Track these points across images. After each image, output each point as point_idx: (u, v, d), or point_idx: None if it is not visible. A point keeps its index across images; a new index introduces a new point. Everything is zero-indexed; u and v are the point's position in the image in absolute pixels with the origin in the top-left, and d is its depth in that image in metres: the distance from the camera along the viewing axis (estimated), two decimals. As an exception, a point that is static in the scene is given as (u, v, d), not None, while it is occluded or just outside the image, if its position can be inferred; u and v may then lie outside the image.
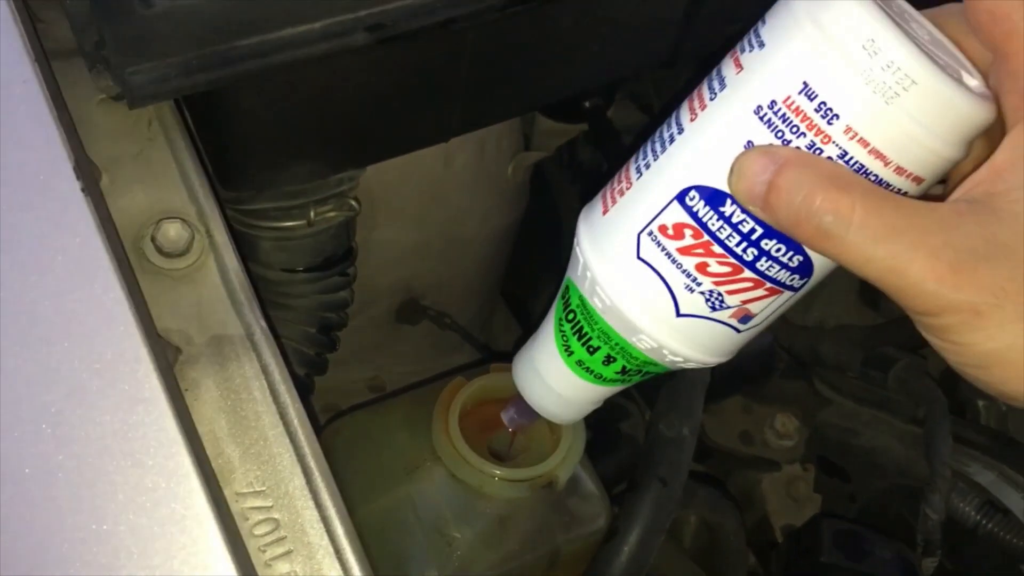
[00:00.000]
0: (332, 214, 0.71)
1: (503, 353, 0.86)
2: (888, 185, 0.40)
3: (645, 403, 0.96)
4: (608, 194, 0.49)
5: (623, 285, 0.47)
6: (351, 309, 0.81)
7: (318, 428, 0.56)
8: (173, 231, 0.52)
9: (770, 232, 0.42)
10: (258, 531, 0.48)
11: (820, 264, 0.44)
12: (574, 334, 0.52)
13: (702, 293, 0.45)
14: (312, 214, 0.69)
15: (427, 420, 0.69)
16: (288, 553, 0.48)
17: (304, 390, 0.78)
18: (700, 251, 0.44)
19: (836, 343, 1.03)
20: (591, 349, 0.51)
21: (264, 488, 0.48)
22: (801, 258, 0.43)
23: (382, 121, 0.68)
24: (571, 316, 0.52)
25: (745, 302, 0.45)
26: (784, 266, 0.43)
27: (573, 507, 0.70)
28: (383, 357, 0.97)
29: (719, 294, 0.45)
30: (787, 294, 0.46)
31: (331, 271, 0.74)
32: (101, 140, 0.54)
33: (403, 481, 0.68)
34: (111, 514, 0.42)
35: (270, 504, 0.48)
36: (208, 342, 0.51)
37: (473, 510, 0.67)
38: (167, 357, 0.49)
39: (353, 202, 0.71)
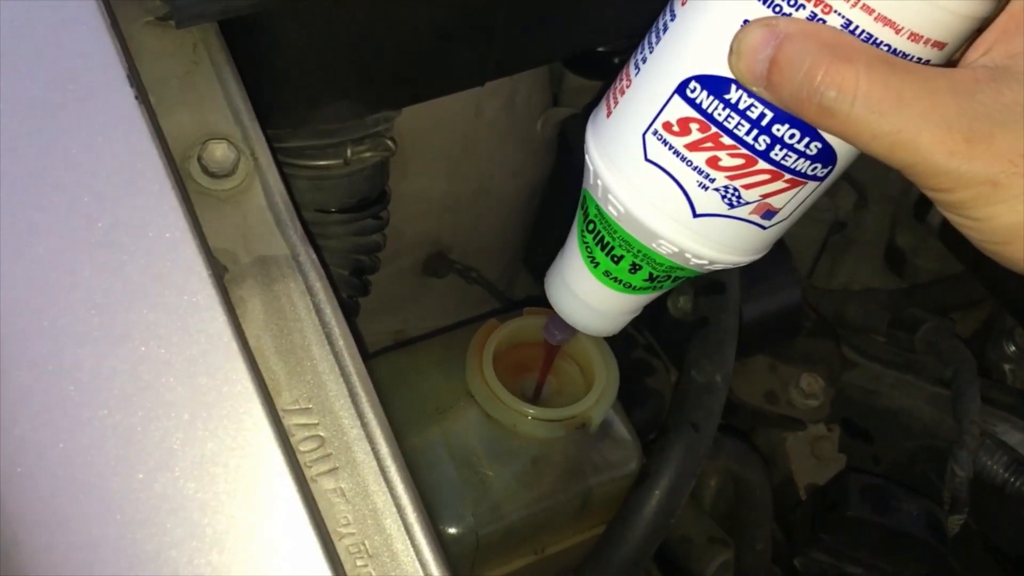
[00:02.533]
0: (368, 154, 0.71)
1: (536, 298, 0.86)
2: (905, 55, 0.37)
3: (670, 359, 0.96)
4: (611, 95, 0.47)
5: (635, 190, 0.45)
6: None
7: (364, 351, 0.56)
8: (219, 152, 0.52)
9: (781, 116, 0.40)
10: (304, 447, 0.48)
11: (843, 150, 0.41)
12: (597, 244, 0.51)
13: (717, 190, 0.43)
14: (349, 153, 0.69)
15: (460, 361, 0.69)
16: (333, 470, 0.48)
17: (349, 312, 0.78)
18: (709, 145, 0.42)
19: (862, 305, 1.03)
20: (615, 258, 0.50)
21: (310, 406, 0.48)
22: (819, 144, 0.41)
23: (420, 60, 0.68)
24: (591, 227, 0.51)
25: (765, 196, 0.43)
26: (801, 154, 0.41)
27: (605, 450, 0.70)
28: (409, 310, 0.97)
29: (735, 189, 0.43)
30: (811, 185, 0.43)
31: (365, 213, 0.74)
32: (147, 62, 0.54)
33: (436, 420, 0.68)
34: (170, 415, 0.43)
35: (315, 422, 0.48)
36: (253, 262, 0.51)
37: (506, 449, 0.67)
38: (219, 272, 0.49)
39: (390, 142, 0.71)
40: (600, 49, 0.96)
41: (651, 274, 0.51)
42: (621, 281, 0.52)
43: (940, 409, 0.94)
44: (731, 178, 0.43)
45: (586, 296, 0.54)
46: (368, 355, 0.75)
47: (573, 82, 1.01)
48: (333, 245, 0.74)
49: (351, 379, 0.49)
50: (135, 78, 0.47)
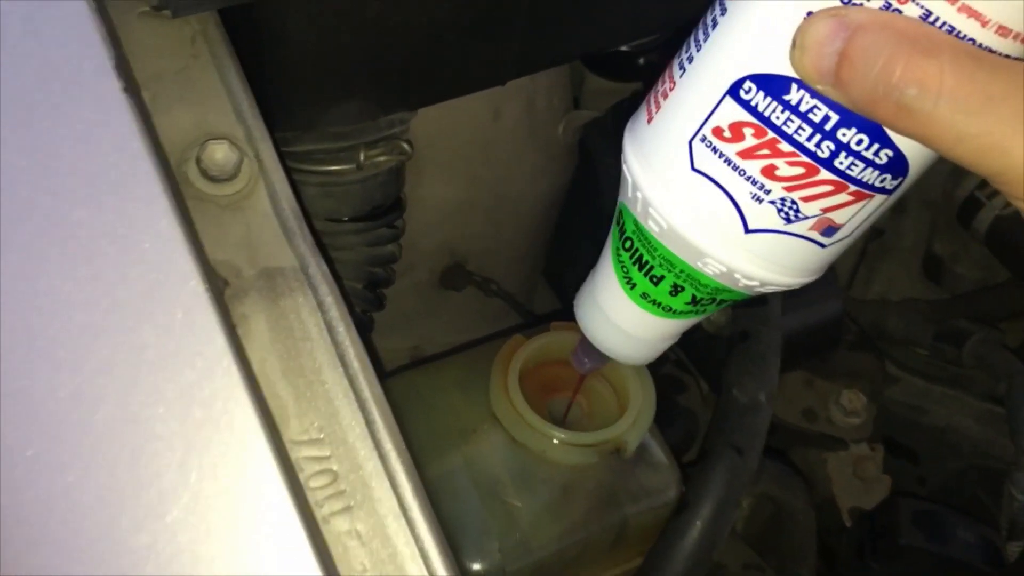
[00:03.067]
0: (382, 158, 0.66)
1: (561, 312, 0.81)
2: (991, 51, 0.33)
3: (701, 374, 0.90)
4: (652, 99, 0.43)
5: (679, 203, 0.41)
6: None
7: (380, 371, 0.50)
8: (220, 153, 0.46)
9: (848, 118, 0.36)
10: (314, 483, 0.42)
11: (915, 158, 0.37)
12: (634, 264, 0.46)
13: (773, 203, 0.39)
14: (362, 157, 0.64)
15: (483, 380, 0.64)
16: (348, 508, 0.42)
17: (364, 330, 0.73)
18: (765, 152, 0.38)
19: (904, 317, 0.97)
20: (654, 279, 0.46)
21: (321, 436, 0.43)
22: (891, 152, 0.36)
23: (437, 57, 0.63)
24: (628, 244, 0.46)
25: (826, 210, 0.39)
26: (870, 163, 0.37)
27: (642, 477, 0.65)
28: (425, 325, 0.91)
29: (793, 202, 0.39)
30: (878, 199, 0.39)
31: (379, 221, 0.69)
32: (142, 56, 0.49)
33: (458, 445, 0.63)
34: (160, 445, 0.37)
35: (327, 454, 0.43)
36: (258, 275, 0.46)
37: (535, 477, 0.62)
38: (218, 287, 0.44)
39: (406, 145, 0.66)
40: (623, 48, 0.91)
41: (694, 297, 0.46)
42: (660, 304, 0.47)
43: (990, 427, 0.89)
44: (789, 189, 0.38)
45: (620, 321, 0.50)
46: (384, 375, 0.70)
47: (594, 84, 0.97)
48: (346, 256, 0.69)
49: (367, 405, 0.44)
50: (124, 69, 0.42)
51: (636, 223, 0.45)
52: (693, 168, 0.40)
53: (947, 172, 0.98)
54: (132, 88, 0.42)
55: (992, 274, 1.04)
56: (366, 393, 0.44)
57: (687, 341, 0.90)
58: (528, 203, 0.91)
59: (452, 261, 0.89)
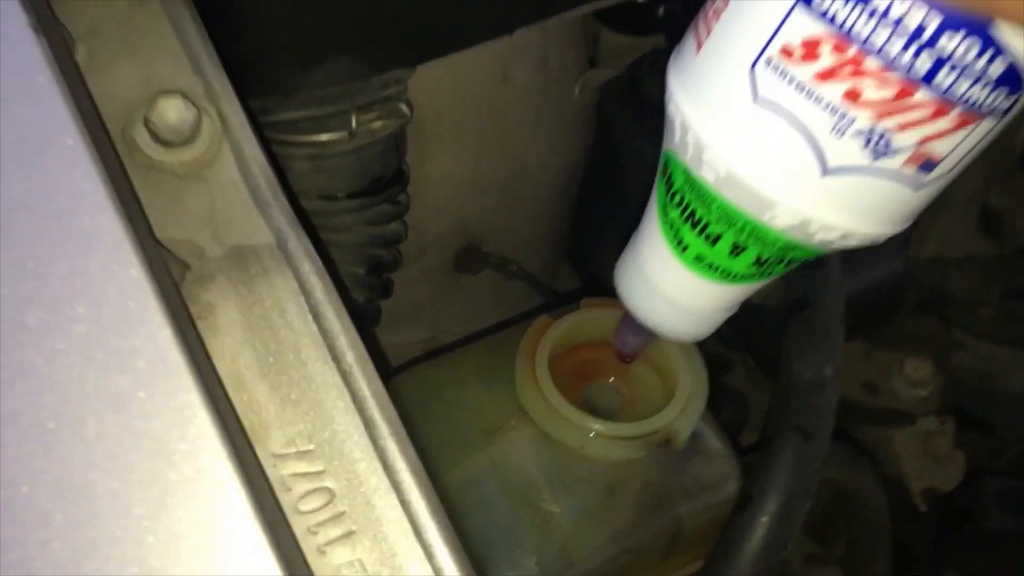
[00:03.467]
0: (378, 123, 0.57)
1: (592, 288, 0.72)
2: None
3: (747, 351, 0.82)
4: (701, 22, 0.37)
5: (741, 143, 0.35)
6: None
7: (386, 366, 0.42)
8: (173, 111, 0.38)
9: (953, 21, 0.30)
10: (306, 506, 0.34)
11: None
12: (686, 222, 0.40)
13: (858, 135, 0.33)
14: (354, 123, 0.56)
15: (507, 370, 0.56)
16: (349, 535, 0.34)
17: (369, 321, 0.65)
18: (848, 72, 0.32)
19: (967, 276, 0.88)
20: (711, 238, 0.39)
21: (312, 447, 0.35)
22: (1006, 61, 0.30)
23: (436, 4, 0.55)
24: (677, 199, 0.40)
25: (924, 140, 0.33)
26: (979, 77, 0.31)
27: (696, 470, 0.56)
28: (441, 314, 0.83)
29: (883, 133, 0.33)
30: (987, 123, 0.33)
31: (379, 196, 0.61)
32: (75, 4, 0.41)
33: (482, 447, 0.55)
34: (92, 484, 0.29)
35: (321, 469, 0.35)
36: (226, 255, 0.38)
37: (573, 478, 0.54)
38: (170, 274, 0.36)
39: (404, 107, 0.57)
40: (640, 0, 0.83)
41: (759, 256, 0.40)
42: (718, 268, 0.41)
43: (1075, 389, 0.80)
44: (878, 117, 0.33)
45: (671, 290, 0.44)
46: (392, 370, 0.61)
47: (611, 40, 0.88)
48: (344, 239, 0.61)
49: (366, 406, 0.36)
50: (36, 4, 0.34)
51: (686, 173, 0.38)
52: (757, 99, 0.34)
53: (1007, 114, 0.88)
54: (51, 29, 0.34)
55: (1057, 225, 0.96)
56: (364, 391, 0.36)
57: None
58: (546, 174, 0.82)
59: (466, 242, 0.81)
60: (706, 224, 0.39)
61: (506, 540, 0.52)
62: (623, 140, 0.88)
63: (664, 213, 0.41)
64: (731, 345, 0.82)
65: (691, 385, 0.55)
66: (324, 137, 0.56)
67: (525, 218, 0.84)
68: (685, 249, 0.41)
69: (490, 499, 0.53)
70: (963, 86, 0.31)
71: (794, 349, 0.60)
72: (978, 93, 0.31)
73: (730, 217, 0.38)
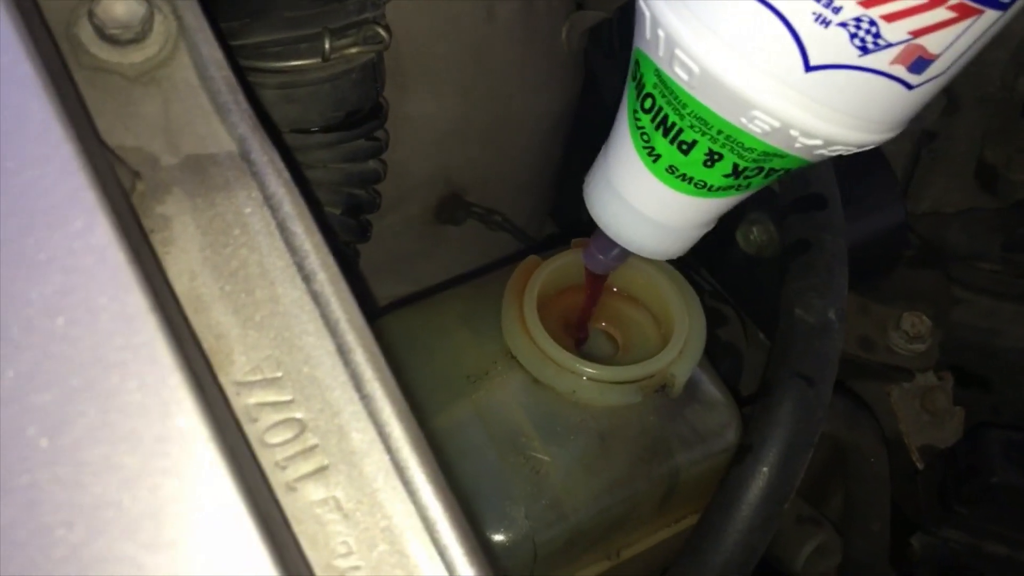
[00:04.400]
0: (354, 49, 0.53)
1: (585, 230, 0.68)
2: None
3: (742, 305, 0.78)
4: None
5: (716, 37, 0.33)
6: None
7: (371, 304, 0.38)
8: (121, 6, 0.34)
9: None
10: (274, 438, 0.31)
11: None
12: (657, 128, 0.37)
13: (844, 25, 0.30)
14: (327, 47, 0.52)
15: (493, 315, 0.53)
16: (322, 470, 0.31)
17: (346, 266, 0.61)
18: None
19: (967, 228, 0.85)
20: (684, 147, 0.37)
21: (279, 374, 0.31)
22: None
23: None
24: (648, 104, 0.37)
25: (917, 33, 0.30)
26: None
27: (694, 418, 0.53)
28: (421, 267, 0.79)
29: (872, 23, 0.30)
30: (988, 16, 0.30)
31: (356, 131, 0.57)
32: None
33: (467, 393, 0.51)
34: (48, 411, 0.25)
35: (289, 398, 0.31)
36: (182, 164, 0.34)
37: (564, 424, 0.50)
38: (120, 183, 0.32)
39: (382, 31, 0.53)
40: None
41: (735, 166, 0.37)
42: (691, 180, 0.38)
43: (1078, 343, 0.77)
44: (866, 4, 0.30)
45: (642, 204, 0.41)
46: (374, 313, 0.58)
47: (599, -19, 0.84)
48: (318, 176, 0.57)
49: (339, 328, 0.32)
50: None
51: (658, 73, 0.36)
52: None
53: (1007, 60, 0.85)
54: None
55: (1054, 179, 0.93)
56: (337, 313, 0.32)
57: (721, 266, 0.78)
58: (532, 120, 0.79)
59: (448, 191, 0.77)
60: (679, 130, 0.36)
61: (493, 490, 0.48)
62: (609, 93, 0.84)
63: (634, 120, 0.38)
64: (723, 299, 0.79)
65: (689, 327, 0.52)
66: (295, 62, 0.52)
67: (510, 166, 0.81)
68: (657, 159, 0.38)
69: (475, 447, 0.49)
70: None
71: (795, 293, 0.56)
72: None
73: (704, 122, 0.35)
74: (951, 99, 0.91)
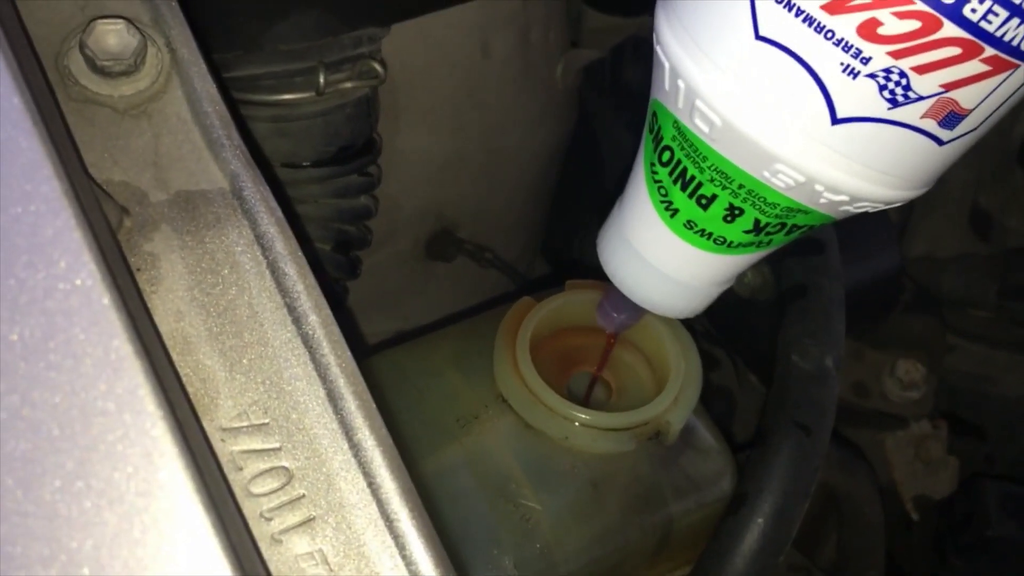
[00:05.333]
0: (348, 84, 0.53)
1: (578, 269, 0.68)
2: None
3: (735, 348, 0.78)
4: None
5: (739, 87, 0.31)
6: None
7: (360, 344, 0.37)
8: (113, 37, 0.34)
9: None
10: (259, 488, 0.30)
11: None
12: (675, 182, 0.36)
13: (873, 77, 0.29)
14: (322, 81, 0.51)
15: (485, 356, 0.52)
16: (309, 522, 0.29)
17: (334, 299, 0.60)
18: (863, 1, 0.28)
19: (961, 274, 0.85)
20: (703, 201, 0.35)
21: (267, 420, 0.30)
22: None
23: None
24: (666, 156, 0.36)
25: (949, 86, 0.29)
26: (1016, 10, 0.27)
27: (688, 466, 0.52)
28: (411, 303, 0.78)
29: (902, 75, 0.29)
30: (1022, 72, 0.29)
31: (348, 166, 0.56)
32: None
33: (457, 437, 0.50)
34: (26, 461, 0.24)
35: (277, 445, 0.30)
36: (172, 200, 0.33)
37: (555, 471, 0.49)
38: (107, 219, 0.31)
39: (377, 67, 0.53)
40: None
41: (757, 222, 0.36)
42: (710, 235, 0.37)
43: (1074, 394, 0.76)
44: (897, 55, 0.29)
45: (657, 259, 0.40)
46: (363, 352, 0.57)
47: (594, 21, 0.84)
48: (308, 211, 0.56)
49: (330, 374, 0.31)
50: None
51: (677, 125, 0.34)
52: (758, 36, 0.30)
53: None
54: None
55: (1048, 226, 0.92)
56: (328, 358, 0.31)
57: (715, 309, 0.78)
58: (525, 157, 0.78)
59: (439, 227, 0.76)
60: (699, 184, 0.35)
61: (482, 538, 0.47)
62: (603, 132, 0.84)
63: (651, 172, 0.37)
64: (717, 342, 0.78)
65: (684, 374, 0.51)
66: (289, 96, 0.52)
67: (502, 203, 0.80)
68: (675, 214, 0.37)
69: (464, 493, 0.48)
70: (995, 20, 0.27)
71: (792, 339, 0.55)
72: (1014, 31, 0.27)
73: (726, 175, 0.34)
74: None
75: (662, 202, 0.37)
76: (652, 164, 0.37)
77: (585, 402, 0.52)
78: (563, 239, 0.92)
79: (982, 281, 0.84)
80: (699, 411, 0.53)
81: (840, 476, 0.67)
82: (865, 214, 0.77)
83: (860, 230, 0.72)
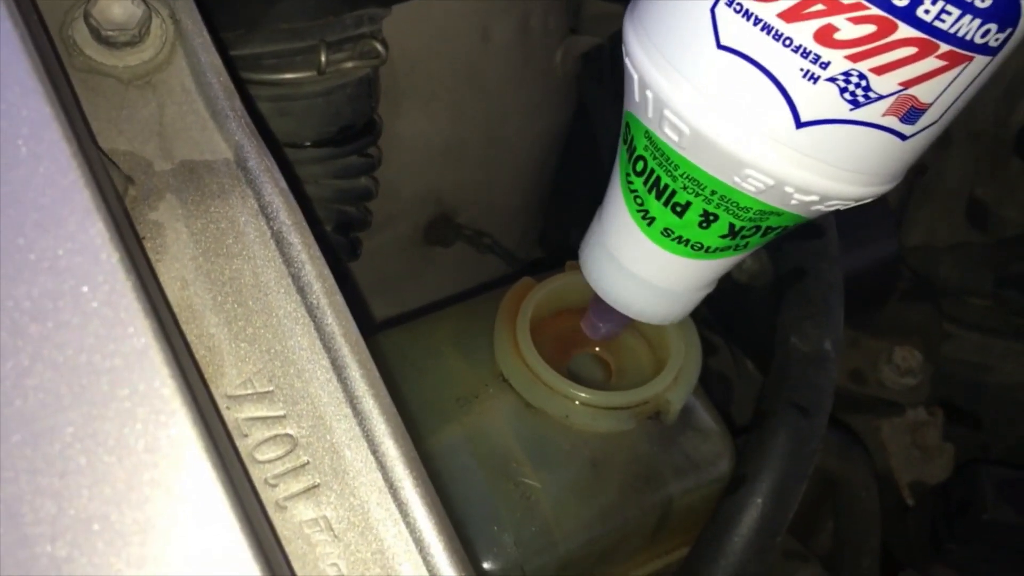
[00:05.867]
0: (350, 64, 0.53)
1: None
2: None
3: (732, 334, 0.78)
4: None
5: (704, 96, 0.32)
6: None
7: (365, 319, 0.37)
8: (118, 8, 0.34)
9: None
10: (264, 455, 0.30)
11: None
12: (650, 191, 0.36)
13: (833, 80, 0.29)
14: (323, 60, 0.51)
15: (485, 337, 0.52)
16: (313, 488, 0.30)
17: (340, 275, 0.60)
18: (820, 7, 0.28)
19: (958, 263, 0.85)
20: (678, 208, 0.36)
21: (271, 388, 0.30)
22: None
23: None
24: (640, 166, 0.36)
25: (907, 83, 0.29)
26: (967, 8, 0.27)
27: (688, 447, 0.52)
28: (409, 288, 0.78)
29: (861, 76, 0.29)
30: (977, 62, 0.29)
31: (349, 147, 0.56)
32: None
33: (457, 416, 0.50)
34: (35, 418, 0.24)
35: (281, 413, 0.30)
36: (176, 170, 0.33)
37: (555, 450, 0.49)
38: (114, 187, 0.31)
39: (379, 46, 0.53)
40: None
41: (731, 226, 0.36)
42: (687, 242, 0.38)
43: (1069, 382, 0.77)
44: (855, 58, 0.29)
45: (638, 267, 0.40)
46: (369, 328, 0.56)
47: (594, 7, 0.84)
48: (309, 191, 0.56)
49: (334, 343, 0.31)
50: None
51: (648, 135, 0.35)
52: (720, 46, 0.31)
53: (1000, 96, 0.86)
54: None
55: (1044, 215, 0.93)
56: (333, 327, 0.31)
57: (712, 295, 0.78)
58: (524, 143, 0.78)
59: (438, 211, 0.76)
60: (672, 192, 0.36)
61: (482, 516, 0.47)
62: (601, 120, 0.84)
63: (627, 183, 0.38)
64: (713, 327, 0.78)
65: (684, 355, 0.51)
66: (290, 75, 0.52)
67: (501, 188, 0.80)
68: (651, 222, 0.37)
69: (465, 472, 0.48)
70: (948, 19, 0.28)
71: (790, 322, 0.56)
72: (966, 27, 0.28)
73: (698, 183, 0.34)
74: (943, 134, 0.91)
75: (639, 211, 0.38)
76: (627, 174, 0.38)
77: (587, 382, 0.52)
78: (561, 228, 0.92)
79: (979, 270, 0.84)
80: (699, 392, 0.53)
81: (837, 462, 0.67)
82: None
83: (859, 218, 0.72)
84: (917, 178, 0.91)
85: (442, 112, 0.71)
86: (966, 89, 0.31)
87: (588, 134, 0.85)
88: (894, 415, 0.78)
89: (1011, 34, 0.29)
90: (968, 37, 0.29)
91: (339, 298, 0.32)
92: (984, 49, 0.29)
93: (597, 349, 0.54)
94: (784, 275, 0.59)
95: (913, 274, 0.82)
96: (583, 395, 0.48)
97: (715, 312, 0.78)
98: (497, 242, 0.79)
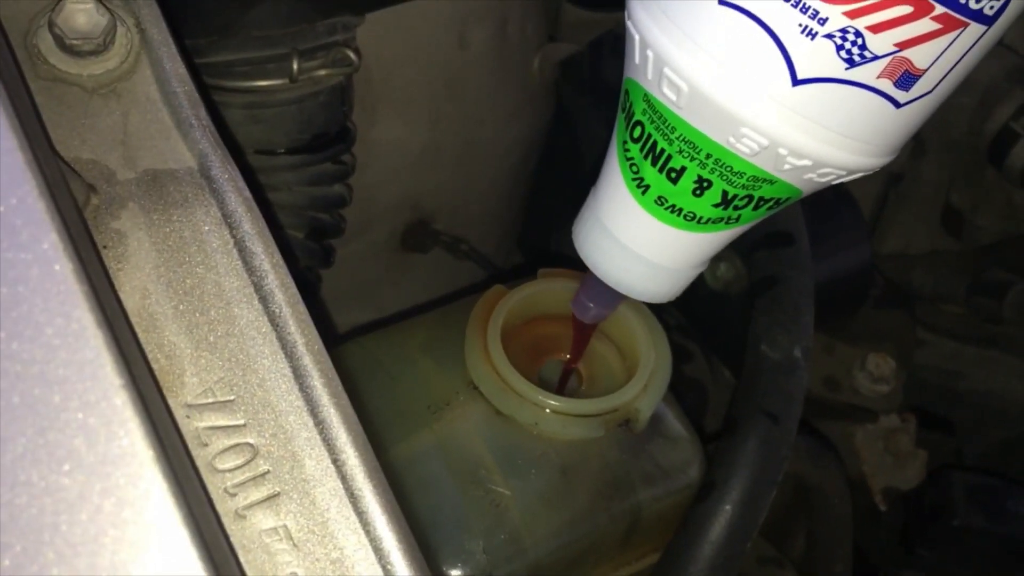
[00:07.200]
0: (323, 72, 0.53)
1: (552, 258, 0.68)
2: None
3: (707, 341, 0.78)
4: None
5: (704, 52, 0.32)
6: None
7: (330, 332, 0.37)
8: (82, 17, 0.34)
9: None
10: (224, 463, 0.30)
11: None
12: (646, 157, 0.37)
13: (830, 36, 0.30)
14: (295, 68, 0.51)
15: (456, 344, 0.52)
16: (273, 498, 0.30)
17: (308, 291, 0.60)
18: None
19: (932, 270, 0.86)
20: (673, 173, 0.36)
21: (232, 397, 0.30)
22: None
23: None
24: (638, 132, 0.37)
25: (903, 45, 0.30)
26: None
27: (657, 454, 0.52)
28: (386, 294, 0.78)
29: (858, 34, 0.30)
30: (973, 30, 0.30)
31: (322, 154, 0.56)
32: None
33: (427, 423, 0.50)
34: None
35: (242, 422, 0.30)
36: (139, 179, 0.33)
37: (525, 457, 0.49)
38: (73, 196, 0.31)
39: (351, 54, 0.53)
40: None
41: (724, 194, 0.37)
42: (680, 211, 0.38)
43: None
44: (852, 15, 0.30)
45: (630, 238, 0.40)
46: (334, 340, 0.57)
47: (572, 15, 0.85)
48: (282, 199, 0.56)
49: (296, 351, 0.31)
50: None
51: (647, 98, 0.35)
52: (721, 1, 0.32)
53: (975, 104, 0.86)
54: None
55: (1017, 224, 0.94)
56: (295, 336, 0.31)
57: (689, 302, 0.78)
58: (501, 149, 0.78)
59: (415, 218, 0.76)
60: (668, 156, 0.36)
61: (451, 523, 0.47)
62: (580, 126, 0.84)
63: (623, 151, 0.38)
64: (691, 335, 0.78)
65: (654, 363, 0.51)
66: (262, 82, 0.52)
67: (478, 195, 0.80)
68: (646, 190, 0.38)
69: (435, 479, 0.48)
70: None
71: (761, 329, 0.56)
72: None
73: (693, 145, 0.35)
74: (918, 142, 0.92)
75: (634, 179, 0.38)
76: (624, 142, 0.38)
77: (559, 390, 0.52)
78: (540, 233, 0.92)
79: (952, 277, 0.85)
80: (669, 400, 0.53)
81: (810, 468, 0.68)
82: (837, 208, 0.77)
83: (832, 225, 0.72)
84: (893, 186, 0.92)
85: (419, 118, 0.71)
86: (960, 59, 0.31)
87: (567, 139, 0.86)
88: (867, 421, 0.79)
89: (1006, 3, 0.29)
90: (963, 1, 0.29)
91: (302, 307, 0.32)
92: (979, 16, 0.30)
93: (568, 356, 0.54)
94: (756, 283, 0.59)
95: (887, 281, 0.82)
96: (553, 403, 0.49)
97: (691, 319, 0.79)
98: (474, 248, 0.79)
